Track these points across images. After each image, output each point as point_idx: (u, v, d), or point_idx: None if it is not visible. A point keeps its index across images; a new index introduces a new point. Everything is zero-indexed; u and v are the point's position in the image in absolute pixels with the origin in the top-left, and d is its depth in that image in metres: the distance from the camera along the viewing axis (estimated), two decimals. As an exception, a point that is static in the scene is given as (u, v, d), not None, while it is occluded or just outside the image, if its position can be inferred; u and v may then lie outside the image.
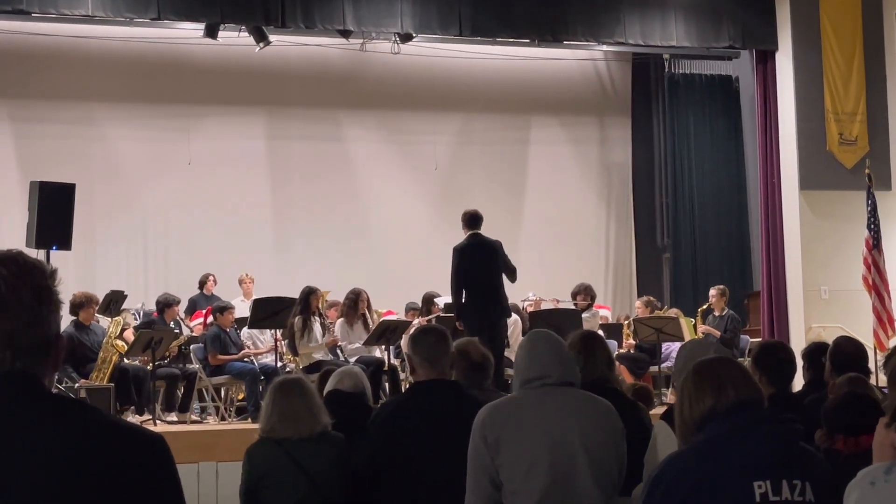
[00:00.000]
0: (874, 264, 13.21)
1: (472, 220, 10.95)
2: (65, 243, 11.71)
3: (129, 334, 11.56)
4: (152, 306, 13.01)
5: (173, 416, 11.44)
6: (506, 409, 4.37)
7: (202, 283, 14.21)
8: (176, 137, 15.87)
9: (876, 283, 13.20)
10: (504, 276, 11.07)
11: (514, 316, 12.51)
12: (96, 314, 11.75)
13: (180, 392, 11.64)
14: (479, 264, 10.73)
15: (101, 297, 12.23)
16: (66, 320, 11.28)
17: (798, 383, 6.58)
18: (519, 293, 13.85)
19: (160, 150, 15.84)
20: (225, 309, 12.04)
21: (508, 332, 12.12)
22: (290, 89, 16.33)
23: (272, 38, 14.51)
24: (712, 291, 13.71)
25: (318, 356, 11.48)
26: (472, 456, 4.30)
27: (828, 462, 3.35)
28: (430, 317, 12.19)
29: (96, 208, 15.17)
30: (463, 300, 10.86)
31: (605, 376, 5.20)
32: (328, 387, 5.96)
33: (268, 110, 16.42)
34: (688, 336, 13.00)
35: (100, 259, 15.44)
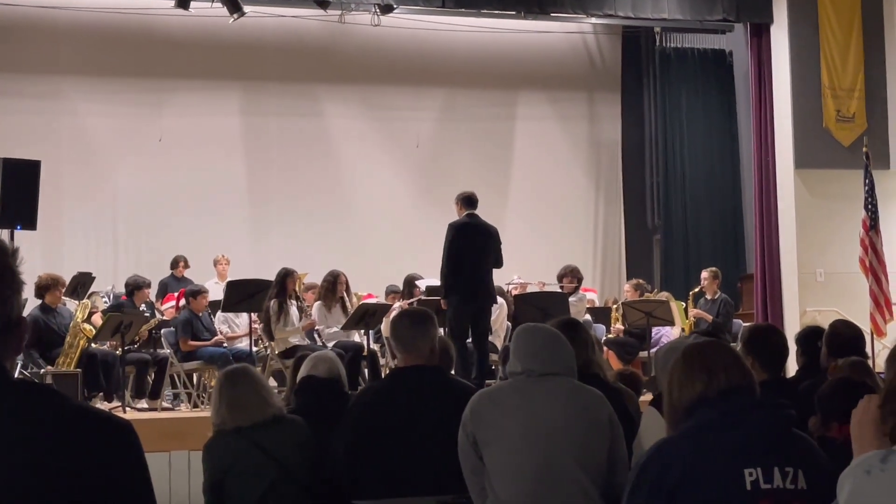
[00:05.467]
0: (871, 246, 13.25)
1: (469, 200, 10.94)
2: (30, 223, 11.66)
3: (97, 318, 11.51)
4: (121, 289, 12.96)
5: (144, 403, 11.41)
6: (490, 399, 4.44)
7: (173, 266, 14.18)
8: (146, 113, 15.81)
9: (873, 266, 13.24)
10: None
11: (500, 300, 12.53)
12: (63, 297, 11.70)
13: (151, 378, 11.60)
14: (473, 246, 10.71)
15: (67, 279, 12.18)
16: (31, 303, 11.25)
17: (791, 369, 6.60)
18: (503, 276, 13.85)
19: (130, 125, 15.77)
20: (198, 293, 12.00)
21: (494, 316, 12.16)
22: (266, 63, 16.27)
23: (247, 8, 14.42)
24: (704, 274, 13.74)
25: (295, 341, 11.48)
26: (461, 455, 4.42)
27: (822, 450, 3.37)
28: (411, 300, 12.19)
29: (63, 186, 15.09)
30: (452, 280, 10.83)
31: (587, 363, 5.23)
32: (301, 372, 5.95)
33: (242, 85, 16.37)
34: (678, 320, 13.04)
35: (67, 239, 15.38)
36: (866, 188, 13.45)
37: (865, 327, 11.61)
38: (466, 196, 10.99)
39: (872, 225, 13.30)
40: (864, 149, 13.77)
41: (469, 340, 10.79)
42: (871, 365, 6.02)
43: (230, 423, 5.20)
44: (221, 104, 16.19)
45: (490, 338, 12.15)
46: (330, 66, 16.49)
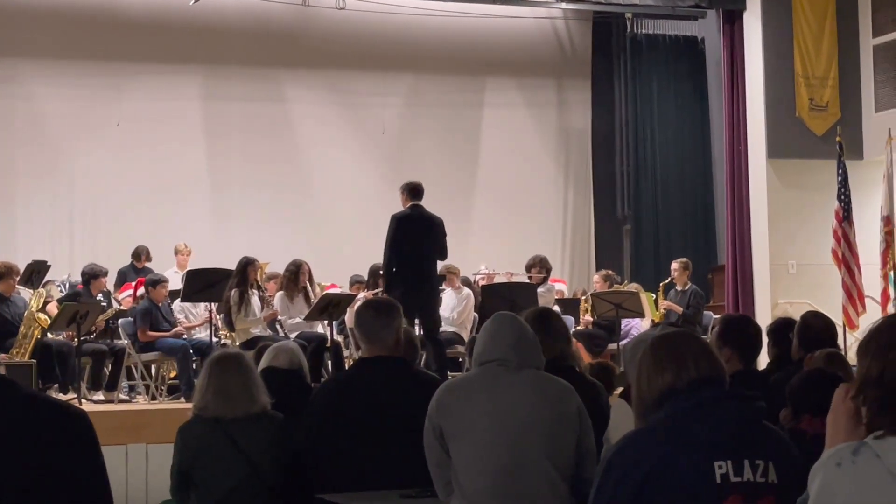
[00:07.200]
0: (844, 237, 13.32)
1: (415, 190, 10.91)
2: (-17, 209, 11.57)
3: (53, 307, 11.44)
4: (78, 277, 12.89)
5: (100, 395, 11.35)
6: (456, 390, 4.44)
7: (137, 256, 14.04)
8: (105, 97, 15.70)
9: (846, 257, 13.31)
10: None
11: (466, 290, 12.57)
12: (17, 286, 11.62)
13: (107, 369, 11.54)
14: (417, 238, 10.68)
15: (22, 267, 12.10)
16: (-16, 292, 11.17)
17: (762, 361, 6.64)
18: (471, 265, 13.88)
19: (88, 110, 15.66)
20: (158, 282, 11.94)
21: (461, 307, 12.23)
22: (228, 46, 16.19)
23: (208, -10, 14.37)
24: (674, 265, 13.79)
25: (256, 332, 11.45)
26: (426, 448, 4.43)
27: (793, 443, 3.39)
28: (376, 290, 12.18)
29: (18, 171, 15.00)
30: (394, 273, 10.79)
31: (562, 355, 5.25)
32: (262, 364, 5.95)
33: (204, 69, 16.27)
34: (648, 312, 13.07)
35: (21, 226, 15.26)
36: (839, 178, 13.52)
37: (838, 320, 11.68)
38: (412, 186, 10.96)
39: (845, 216, 13.37)
40: (838, 138, 13.83)
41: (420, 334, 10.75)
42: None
43: (212, 411, 5.17)
44: (182, 88, 16.10)
45: (455, 329, 12.18)
46: (294, 51, 16.44)
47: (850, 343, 12.44)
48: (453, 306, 12.40)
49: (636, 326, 13.15)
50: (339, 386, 5.14)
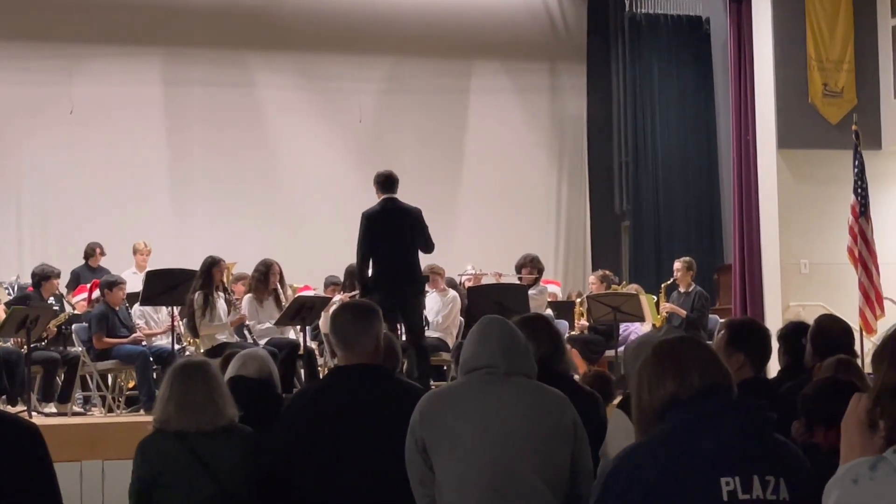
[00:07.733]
0: (861, 234, 13.34)
1: (387, 181, 10.85)
2: (-77, 205, 11.55)
3: (0, 312, 11.43)
4: (27, 279, 12.87)
5: (52, 408, 11.33)
6: (441, 401, 4.46)
7: (88, 255, 14.05)
8: (56, 81, 15.67)
9: (863, 256, 13.33)
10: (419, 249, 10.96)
11: (452, 292, 12.57)
12: (-39, 288, 11.62)
13: (60, 379, 11.52)
14: (393, 233, 10.62)
15: (-34, 268, 12.09)
16: (-76, 295, 11.15)
17: (772, 369, 6.66)
18: (457, 265, 13.89)
19: (37, 96, 15.63)
20: (114, 284, 11.92)
21: (447, 311, 12.21)
22: (191, 26, 16.17)
23: (169, -34, 14.37)
24: (677, 265, 13.81)
25: (222, 338, 11.43)
26: (408, 463, 4.45)
27: (806, 457, 3.40)
28: (353, 293, 12.17)
29: (-39, 164, 14.97)
30: (370, 274, 10.73)
31: (556, 362, 5.26)
32: (229, 373, 5.95)
33: (164, 51, 16.26)
34: (649, 316, 13.10)
35: (-35, 224, 15.26)
36: (855, 170, 13.54)
37: (854, 323, 11.70)
38: (383, 177, 10.88)
39: (862, 211, 13.38)
40: (854, 127, 13.85)
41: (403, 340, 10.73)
42: (860, 364, 6.07)
43: (174, 425, 5.17)
44: (140, 72, 16.07)
45: (440, 334, 12.18)
46: (263, 31, 16.42)
47: (867, 349, 12.46)
48: (438, 310, 12.40)
49: (635, 331, 13.16)
50: (313, 396, 5.13)
